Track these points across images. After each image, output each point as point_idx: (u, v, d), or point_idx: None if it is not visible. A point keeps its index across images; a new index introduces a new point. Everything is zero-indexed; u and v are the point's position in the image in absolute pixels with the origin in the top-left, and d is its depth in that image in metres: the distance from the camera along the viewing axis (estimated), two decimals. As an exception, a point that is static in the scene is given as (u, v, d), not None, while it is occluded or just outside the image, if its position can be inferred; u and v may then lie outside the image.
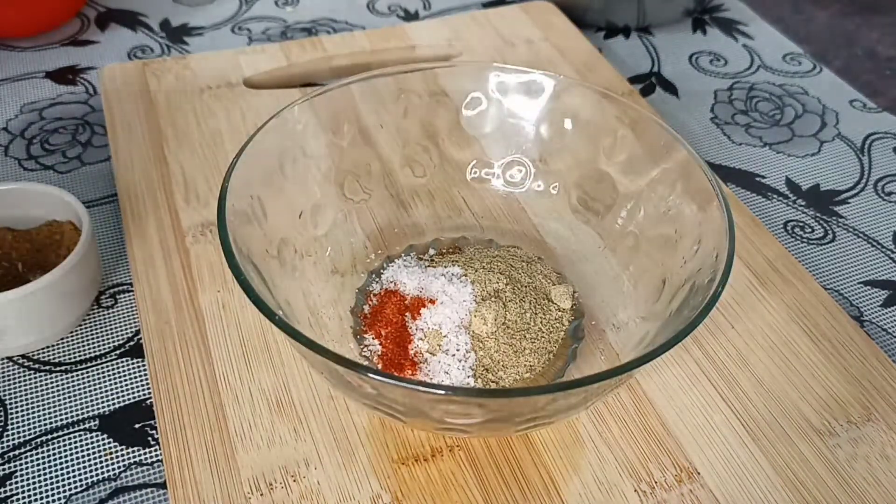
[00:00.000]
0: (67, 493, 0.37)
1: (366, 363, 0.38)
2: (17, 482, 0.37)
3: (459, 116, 0.46)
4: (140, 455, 0.38)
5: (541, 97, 0.44)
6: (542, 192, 0.46)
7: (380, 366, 0.38)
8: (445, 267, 0.42)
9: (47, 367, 0.42)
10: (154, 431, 0.39)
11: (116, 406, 0.40)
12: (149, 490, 0.37)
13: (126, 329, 0.44)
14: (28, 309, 0.40)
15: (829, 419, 0.39)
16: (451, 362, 0.38)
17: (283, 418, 0.38)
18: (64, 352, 0.42)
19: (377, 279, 0.43)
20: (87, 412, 0.40)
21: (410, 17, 0.72)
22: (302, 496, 0.35)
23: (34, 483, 0.37)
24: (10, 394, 0.40)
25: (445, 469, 0.36)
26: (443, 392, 0.30)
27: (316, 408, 0.38)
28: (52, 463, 0.38)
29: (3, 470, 0.37)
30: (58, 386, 0.41)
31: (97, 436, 0.39)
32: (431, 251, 0.45)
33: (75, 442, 0.39)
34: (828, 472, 0.37)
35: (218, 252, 0.45)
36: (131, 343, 0.43)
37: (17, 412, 0.40)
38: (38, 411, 0.40)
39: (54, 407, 0.40)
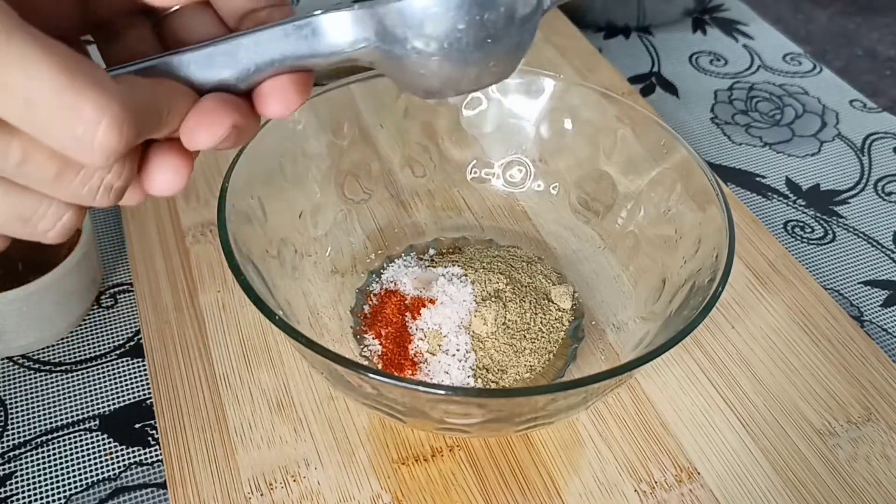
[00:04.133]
0: (67, 493, 0.37)
1: (366, 363, 0.38)
2: (17, 482, 0.37)
3: (459, 116, 0.46)
4: (140, 455, 0.38)
5: (541, 97, 0.44)
6: (542, 192, 0.46)
7: (380, 366, 0.38)
8: (445, 267, 0.42)
9: (47, 367, 0.42)
10: (154, 431, 0.39)
11: (116, 406, 0.40)
12: (149, 490, 0.37)
13: (126, 329, 0.44)
14: (28, 309, 0.40)
15: (829, 419, 0.39)
16: (451, 362, 0.38)
17: (283, 418, 0.38)
18: (64, 352, 0.42)
19: (377, 279, 0.42)
20: (87, 412, 0.40)
21: (410, 17, 0.72)
22: (302, 496, 0.35)
23: (34, 483, 0.37)
24: (10, 394, 0.40)
25: (445, 469, 0.36)
26: (443, 392, 0.30)
27: (316, 408, 0.38)
28: (52, 463, 0.38)
29: (3, 470, 0.37)
30: (58, 386, 0.41)
31: (97, 436, 0.39)
32: (431, 251, 0.45)
33: (75, 442, 0.39)
34: (828, 472, 0.37)
35: (218, 252, 0.45)
36: (131, 343, 0.43)
37: (17, 412, 0.40)
38: (38, 411, 0.40)
39: (54, 407, 0.40)
